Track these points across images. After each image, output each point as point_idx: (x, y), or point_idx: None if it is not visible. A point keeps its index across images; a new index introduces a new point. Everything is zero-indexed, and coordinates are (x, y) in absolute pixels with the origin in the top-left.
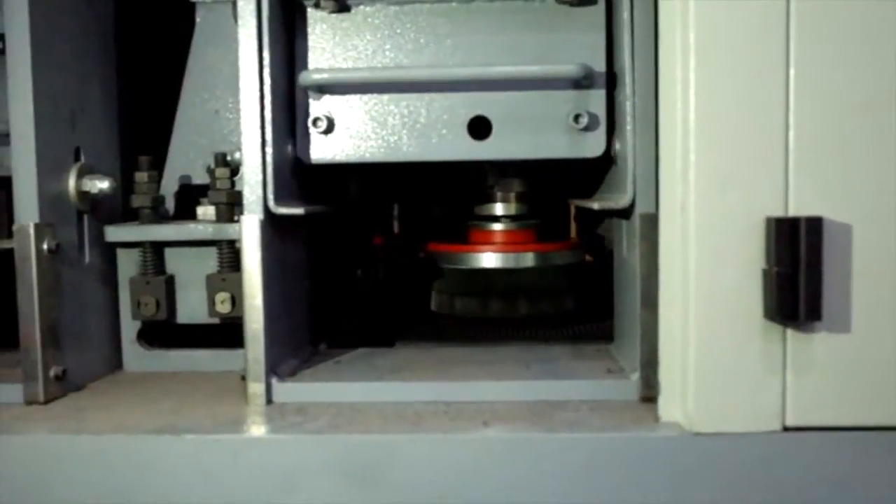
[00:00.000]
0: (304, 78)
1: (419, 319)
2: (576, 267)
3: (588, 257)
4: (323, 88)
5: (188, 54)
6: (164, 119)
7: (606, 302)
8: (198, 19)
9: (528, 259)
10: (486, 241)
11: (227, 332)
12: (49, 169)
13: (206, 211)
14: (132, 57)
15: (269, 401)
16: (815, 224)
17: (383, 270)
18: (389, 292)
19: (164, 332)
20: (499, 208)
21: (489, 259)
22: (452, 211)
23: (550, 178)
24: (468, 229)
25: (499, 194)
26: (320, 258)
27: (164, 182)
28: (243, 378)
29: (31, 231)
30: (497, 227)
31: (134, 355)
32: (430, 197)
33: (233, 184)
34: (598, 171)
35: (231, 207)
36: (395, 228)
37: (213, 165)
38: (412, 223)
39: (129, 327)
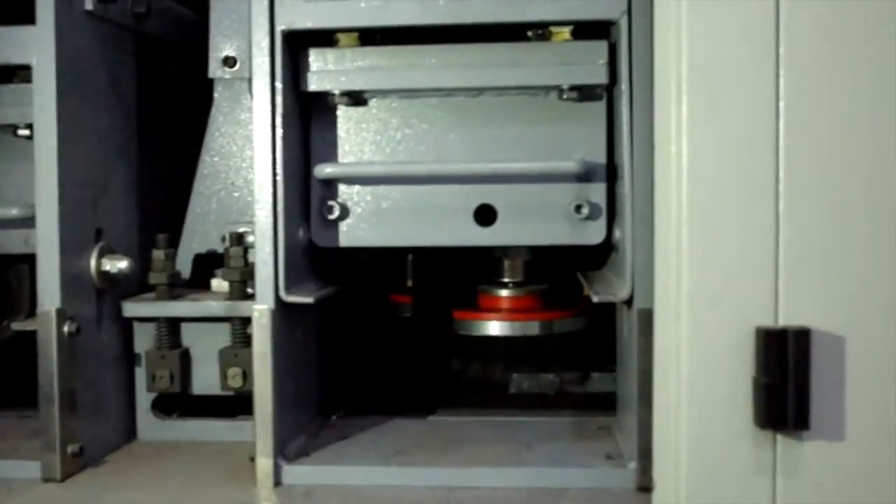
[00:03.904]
0: (317, 171)
1: (431, 382)
2: (584, 332)
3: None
4: (336, 179)
5: (206, 127)
6: (183, 185)
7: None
8: (215, 94)
9: (533, 327)
10: (492, 307)
11: (241, 401)
12: (71, 251)
13: (220, 284)
14: (153, 133)
15: (277, 483)
16: (802, 336)
17: (400, 334)
18: (404, 357)
19: (178, 399)
20: (506, 276)
21: (494, 327)
22: (467, 273)
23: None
24: (478, 294)
25: (506, 263)
26: (336, 326)
27: (180, 250)
28: (252, 459)
29: (53, 316)
30: (503, 293)
31: (148, 425)
32: (445, 259)
33: (246, 262)
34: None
35: (244, 285)
36: (411, 290)
37: (227, 243)
38: (428, 285)
39: (144, 397)
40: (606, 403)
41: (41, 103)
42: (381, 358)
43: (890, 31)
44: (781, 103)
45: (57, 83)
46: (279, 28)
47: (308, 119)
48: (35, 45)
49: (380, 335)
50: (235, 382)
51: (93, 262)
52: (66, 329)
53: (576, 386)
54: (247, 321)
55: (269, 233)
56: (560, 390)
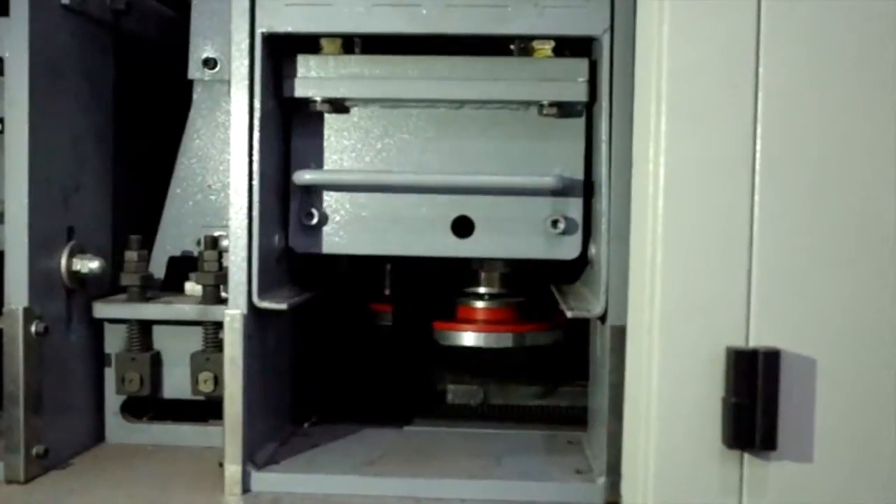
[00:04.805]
0: (297, 177)
1: (405, 391)
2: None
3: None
4: (315, 186)
5: (184, 129)
6: (159, 186)
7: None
8: (195, 96)
9: (507, 339)
10: (468, 318)
11: (211, 406)
12: (41, 248)
13: (193, 287)
14: (130, 132)
15: (245, 489)
16: (772, 357)
17: (376, 342)
18: (379, 365)
19: (148, 402)
20: (482, 288)
21: (469, 338)
22: (447, 284)
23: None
24: (456, 305)
25: (483, 275)
26: (312, 332)
27: (155, 251)
28: (221, 465)
29: (20, 315)
30: (480, 304)
31: (117, 428)
32: (425, 269)
33: (220, 266)
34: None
35: (217, 289)
36: (389, 298)
37: (202, 246)
38: (407, 294)
39: (114, 400)
40: (579, 417)
41: (12, 97)
42: (356, 366)
43: (870, 53)
44: (759, 125)
45: (30, 77)
46: (259, 31)
47: (289, 125)
48: (8, 37)
49: (355, 343)
50: (206, 387)
51: (63, 262)
52: (33, 328)
53: (549, 399)
54: (219, 325)
55: (244, 237)
56: (483, 402)
